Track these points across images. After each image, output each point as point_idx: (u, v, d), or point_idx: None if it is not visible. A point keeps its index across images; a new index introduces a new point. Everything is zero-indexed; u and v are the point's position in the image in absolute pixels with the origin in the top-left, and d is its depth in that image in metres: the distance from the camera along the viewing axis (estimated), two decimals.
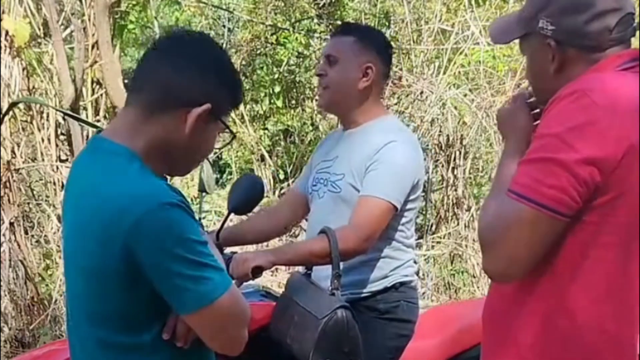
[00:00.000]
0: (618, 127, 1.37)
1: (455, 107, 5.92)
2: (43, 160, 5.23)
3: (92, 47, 5.20)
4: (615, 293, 1.49)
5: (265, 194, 2.15)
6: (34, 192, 5.43)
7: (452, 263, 5.81)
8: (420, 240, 5.78)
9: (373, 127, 2.43)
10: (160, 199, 1.39)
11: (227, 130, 1.60)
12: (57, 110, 4.96)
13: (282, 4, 7.75)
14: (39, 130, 5.18)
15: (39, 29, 5.39)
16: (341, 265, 2.23)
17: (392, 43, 6.51)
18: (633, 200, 1.42)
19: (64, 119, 5.07)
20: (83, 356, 1.56)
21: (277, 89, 7.67)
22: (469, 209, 5.88)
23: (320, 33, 7.74)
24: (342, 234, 2.23)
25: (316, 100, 5.66)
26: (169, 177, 1.66)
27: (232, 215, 2.34)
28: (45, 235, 5.15)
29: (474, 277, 5.66)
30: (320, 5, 7.75)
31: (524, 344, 1.54)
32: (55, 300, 4.76)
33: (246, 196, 2.26)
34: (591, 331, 1.49)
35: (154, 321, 1.49)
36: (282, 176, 7.84)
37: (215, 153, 7.35)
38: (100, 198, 1.42)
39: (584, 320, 1.48)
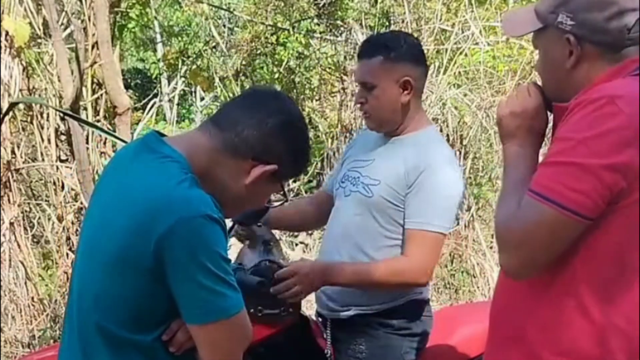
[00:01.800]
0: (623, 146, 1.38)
1: (456, 107, 5.92)
2: (43, 160, 5.23)
3: (92, 47, 5.19)
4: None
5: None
6: (34, 192, 5.42)
7: (452, 263, 5.80)
8: None
9: (417, 139, 2.37)
10: (205, 209, 1.45)
11: (282, 192, 1.69)
12: (57, 110, 4.96)
13: (282, 4, 7.75)
14: (39, 130, 5.18)
15: (39, 29, 5.38)
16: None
17: None
18: None
19: (63, 119, 5.06)
20: (80, 341, 1.57)
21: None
22: (469, 209, 5.88)
23: (320, 33, 7.74)
24: (406, 266, 2.26)
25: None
26: None
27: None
28: (45, 235, 5.14)
29: (474, 277, 5.66)
30: (320, 5, 7.75)
31: (537, 341, 1.54)
32: (55, 300, 4.76)
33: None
34: (606, 329, 1.49)
35: (158, 324, 1.52)
36: None
37: None
38: (147, 193, 1.47)
39: (599, 318, 1.49)
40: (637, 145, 1.38)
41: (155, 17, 7.59)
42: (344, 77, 7.07)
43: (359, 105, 2.42)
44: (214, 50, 8.65)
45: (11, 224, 4.83)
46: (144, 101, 8.76)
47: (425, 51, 6.36)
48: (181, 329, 1.52)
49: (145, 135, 1.63)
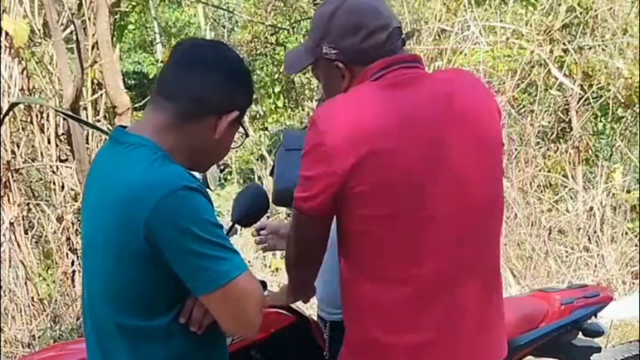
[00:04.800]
0: (342, 144, 1.55)
1: None
2: (43, 160, 5.23)
3: (92, 47, 5.20)
4: None
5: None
6: (34, 192, 5.42)
7: None
8: None
9: None
10: (181, 182, 1.48)
11: (242, 131, 1.73)
12: (57, 110, 4.97)
13: (282, 5, 7.76)
14: (39, 130, 5.18)
15: (39, 29, 5.38)
16: None
17: None
18: (387, 194, 1.58)
19: (64, 119, 5.07)
20: (98, 341, 1.60)
21: (277, 89, 7.67)
22: None
23: None
24: None
25: (317, 100, 5.64)
26: None
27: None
28: (45, 235, 5.15)
29: None
30: (320, 5, 7.75)
31: None
32: (56, 300, 4.76)
33: (250, 207, 2.22)
34: None
35: (170, 306, 1.54)
36: None
37: None
38: (125, 181, 1.50)
39: None
40: (337, 155, 1.55)
41: (155, 18, 7.58)
42: None
43: None
44: None
45: (11, 224, 4.83)
46: (143, 101, 8.75)
47: (425, 51, 6.37)
48: (195, 305, 1.54)
49: (112, 132, 1.68)
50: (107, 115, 5.52)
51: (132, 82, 12.20)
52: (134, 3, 6.78)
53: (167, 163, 1.53)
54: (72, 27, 5.22)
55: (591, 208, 5.99)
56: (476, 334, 1.68)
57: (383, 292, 1.65)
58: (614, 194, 6.05)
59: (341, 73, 1.70)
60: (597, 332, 2.63)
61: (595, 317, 2.69)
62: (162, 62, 9.57)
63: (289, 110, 7.75)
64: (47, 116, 5.23)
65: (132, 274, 1.51)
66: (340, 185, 1.57)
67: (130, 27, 6.95)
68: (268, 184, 5.99)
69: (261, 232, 2.37)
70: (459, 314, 1.66)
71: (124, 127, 1.65)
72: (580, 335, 2.64)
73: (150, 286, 1.52)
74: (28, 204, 5.21)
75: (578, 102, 6.32)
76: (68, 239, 5.06)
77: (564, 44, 6.12)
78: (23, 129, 5.30)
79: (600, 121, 6.65)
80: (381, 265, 1.64)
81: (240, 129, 1.69)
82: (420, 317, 1.64)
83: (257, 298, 1.55)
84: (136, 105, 6.53)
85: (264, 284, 2.11)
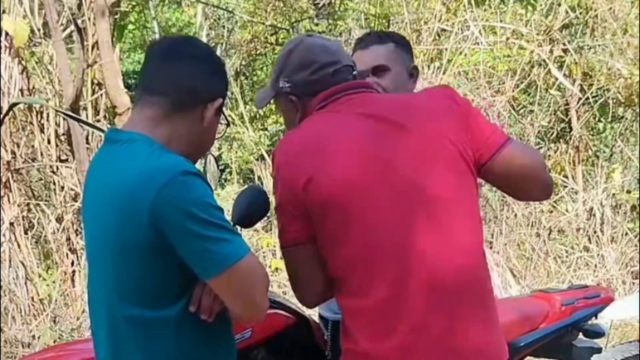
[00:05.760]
0: (291, 170, 1.72)
1: None
2: (43, 160, 5.23)
3: (92, 47, 5.20)
4: None
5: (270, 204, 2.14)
6: (34, 192, 5.42)
7: None
8: None
9: None
10: (181, 167, 1.53)
11: (225, 121, 1.80)
12: (57, 110, 4.96)
13: (281, 5, 7.75)
14: (39, 130, 5.18)
15: (39, 29, 5.38)
16: None
17: None
18: (337, 213, 1.68)
19: (64, 119, 5.07)
20: (108, 336, 1.62)
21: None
22: None
23: (321, 33, 7.73)
24: None
25: None
26: None
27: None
28: (45, 235, 5.14)
29: None
30: (320, 5, 7.76)
31: None
32: (56, 300, 4.76)
33: (250, 208, 2.22)
34: None
35: (178, 296, 1.57)
36: None
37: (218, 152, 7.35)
38: (125, 175, 1.54)
39: None
40: (288, 179, 1.71)
41: (155, 18, 7.58)
42: None
43: None
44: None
45: (11, 224, 4.83)
46: None
47: (425, 51, 6.37)
48: (204, 293, 1.57)
49: (106, 134, 1.74)
50: (107, 115, 5.52)
51: (132, 82, 12.19)
52: (133, 3, 6.77)
53: (164, 153, 1.58)
54: (72, 27, 5.22)
55: (591, 208, 6.00)
56: (456, 337, 1.68)
57: (354, 304, 1.73)
58: (614, 194, 6.05)
59: (295, 106, 1.85)
60: (598, 333, 2.63)
61: (596, 318, 2.69)
62: None
63: None
64: (47, 116, 5.22)
65: (138, 264, 1.53)
66: (301, 206, 1.69)
67: (130, 27, 6.95)
68: (268, 184, 5.98)
69: None
70: (436, 317, 1.67)
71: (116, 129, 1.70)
72: (580, 336, 2.64)
73: (158, 275, 1.54)
74: (28, 204, 5.21)
75: (578, 102, 6.33)
76: (68, 239, 5.06)
77: (564, 44, 6.12)
78: (23, 129, 5.30)
79: (600, 121, 6.65)
80: (344, 278, 1.73)
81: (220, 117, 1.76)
82: (394, 323, 1.67)
83: (263, 279, 1.58)
84: None
85: None
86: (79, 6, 5.36)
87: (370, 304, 1.69)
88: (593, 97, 6.28)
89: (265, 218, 2.53)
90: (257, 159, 7.79)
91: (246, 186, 2.25)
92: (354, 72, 1.88)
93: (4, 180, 4.81)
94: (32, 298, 4.75)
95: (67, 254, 5.00)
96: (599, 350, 2.64)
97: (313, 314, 2.61)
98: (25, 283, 4.75)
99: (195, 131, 1.67)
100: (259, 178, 6.62)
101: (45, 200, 5.32)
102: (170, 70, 1.66)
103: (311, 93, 1.83)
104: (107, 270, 1.59)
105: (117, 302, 1.58)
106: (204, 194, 1.54)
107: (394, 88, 2.30)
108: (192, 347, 1.59)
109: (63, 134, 5.25)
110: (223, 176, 8.26)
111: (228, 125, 1.87)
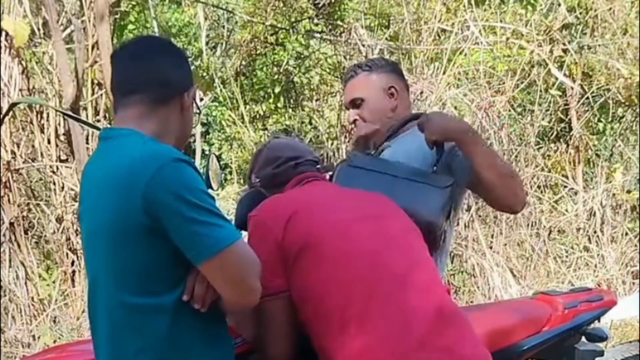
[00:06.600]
0: (270, 230, 1.86)
1: (455, 107, 5.91)
2: (43, 160, 5.23)
3: (92, 47, 5.19)
4: None
5: None
6: (34, 192, 5.42)
7: (452, 263, 5.81)
8: None
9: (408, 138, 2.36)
10: (174, 155, 1.61)
11: (197, 110, 1.90)
12: (57, 110, 4.96)
13: (281, 4, 7.74)
14: (39, 130, 5.18)
15: (39, 29, 5.38)
16: None
17: (392, 43, 6.55)
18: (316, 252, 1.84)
19: (64, 119, 5.06)
20: (107, 326, 1.65)
21: (277, 89, 7.65)
22: (469, 209, 5.88)
23: (321, 33, 7.73)
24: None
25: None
26: None
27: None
28: (45, 235, 5.14)
29: (474, 277, 5.66)
30: (319, 5, 7.74)
31: None
32: (56, 300, 4.76)
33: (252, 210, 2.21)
34: None
35: (175, 285, 1.61)
36: None
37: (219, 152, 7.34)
38: (119, 162, 1.61)
39: None
40: (270, 237, 1.85)
41: (154, 18, 7.57)
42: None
43: (353, 126, 2.50)
44: (213, 50, 8.65)
45: (11, 224, 4.82)
46: None
47: (425, 51, 6.37)
48: (197, 282, 1.60)
49: (100, 133, 1.83)
50: (107, 115, 5.51)
51: None
52: (133, 3, 6.77)
53: (156, 143, 1.67)
54: (72, 27, 5.21)
55: (591, 208, 6.00)
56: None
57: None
58: (614, 194, 6.06)
59: (263, 199, 2.03)
60: (601, 337, 2.62)
61: (599, 321, 2.68)
62: None
63: (289, 110, 7.74)
64: (47, 116, 5.22)
65: (133, 249, 1.58)
66: (280, 249, 1.83)
67: (130, 27, 6.93)
68: None
69: None
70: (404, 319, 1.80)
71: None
72: (583, 339, 2.63)
73: (152, 261, 1.58)
74: (28, 204, 5.21)
75: (578, 102, 6.33)
76: (68, 239, 5.06)
77: (564, 44, 6.13)
78: (23, 129, 5.30)
79: (600, 121, 6.65)
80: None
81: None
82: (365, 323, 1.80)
83: (253, 263, 1.63)
84: None
85: None
86: (79, 6, 5.36)
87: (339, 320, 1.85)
88: (593, 97, 6.29)
89: None
90: None
91: (249, 189, 2.27)
92: (318, 166, 2.13)
93: (4, 180, 4.81)
94: (32, 298, 4.75)
95: (67, 254, 5.00)
96: (601, 354, 2.63)
97: None
98: (25, 283, 4.75)
99: (178, 121, 1.76)
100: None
101: (45, 200, 5.32)
102: (141, 68, 1.75)
103: (278, 184, 2.08)
104: (105, 259, 1.63)
105: (114, 289, 1.62)
106: (196, 181, 1.60)
107: (373, 117, 2.43)
108: (189, 337, 1.62)
109: (63, 134, 5.25)
110: (223, 176, 8.26)
111: (200, 113, 1.96)
